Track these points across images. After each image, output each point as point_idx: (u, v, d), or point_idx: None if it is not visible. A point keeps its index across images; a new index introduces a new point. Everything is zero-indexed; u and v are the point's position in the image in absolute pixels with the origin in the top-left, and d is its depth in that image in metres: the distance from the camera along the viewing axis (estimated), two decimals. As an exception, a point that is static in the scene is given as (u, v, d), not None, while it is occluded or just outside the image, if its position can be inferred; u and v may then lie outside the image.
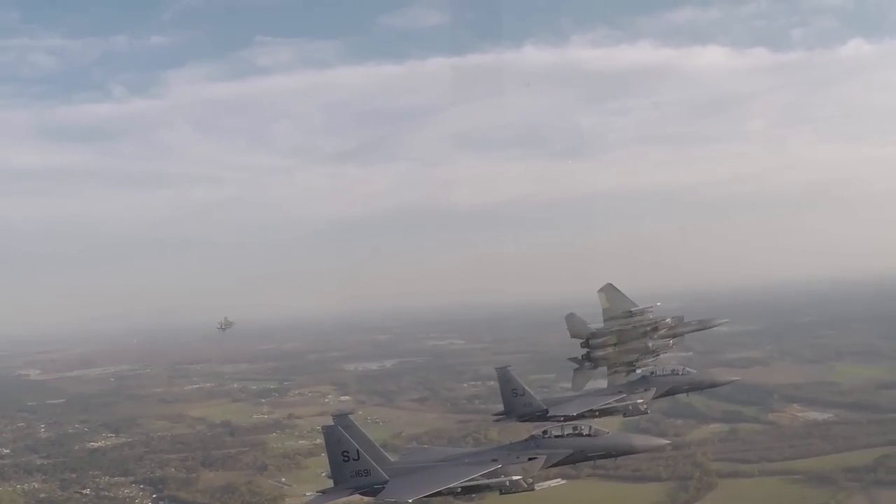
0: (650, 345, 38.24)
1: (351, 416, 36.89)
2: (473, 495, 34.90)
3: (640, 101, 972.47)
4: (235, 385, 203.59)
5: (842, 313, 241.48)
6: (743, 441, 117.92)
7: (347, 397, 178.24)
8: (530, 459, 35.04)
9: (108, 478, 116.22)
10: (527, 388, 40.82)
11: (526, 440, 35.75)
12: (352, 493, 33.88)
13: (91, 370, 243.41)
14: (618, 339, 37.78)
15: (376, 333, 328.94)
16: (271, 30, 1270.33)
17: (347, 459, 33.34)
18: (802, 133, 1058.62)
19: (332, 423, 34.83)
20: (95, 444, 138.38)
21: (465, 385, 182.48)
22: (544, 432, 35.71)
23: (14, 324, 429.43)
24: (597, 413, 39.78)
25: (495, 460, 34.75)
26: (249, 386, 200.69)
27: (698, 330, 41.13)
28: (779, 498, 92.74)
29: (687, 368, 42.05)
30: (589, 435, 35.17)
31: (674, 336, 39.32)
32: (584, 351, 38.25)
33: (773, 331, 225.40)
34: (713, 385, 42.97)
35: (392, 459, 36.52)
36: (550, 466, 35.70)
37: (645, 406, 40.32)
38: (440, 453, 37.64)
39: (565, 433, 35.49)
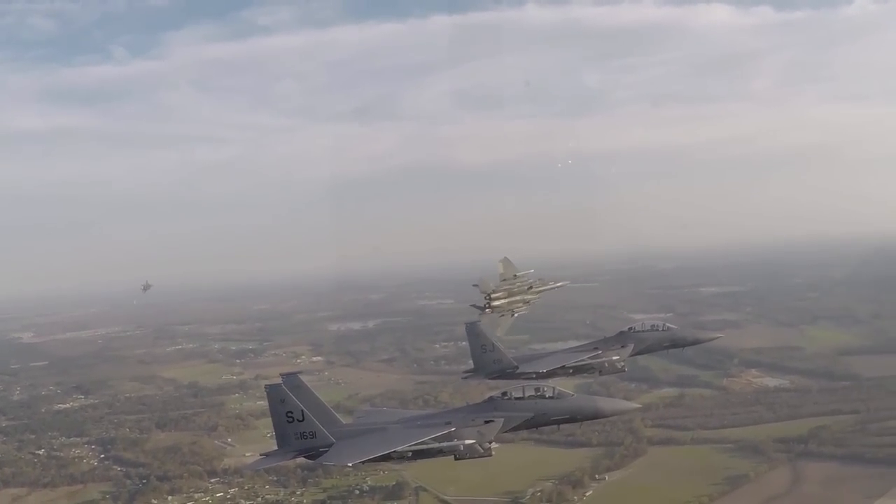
0: (526, 298, 46.00)
1: (301, 376, 35.55)
2: (424, 460, 32.91)
3: (645, 58, 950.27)
4: (216, 346, 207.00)
5: (831, 276, 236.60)
6: (687, 407, 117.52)
7: (319, 357, 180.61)
8: (486, 423, 33.69)
9: (63, 438, 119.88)
10: (497, 343, 40.19)
11: (484, 402, 34.49)
12: (295, 457, 33.11)
13: (83, 332, 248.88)
14: (507, 294, 45.25)
15: (371, 293, 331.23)
16: None
17: (292, 420, 32.28)
18: (808, 92, 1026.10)
19: (277, 383, 33.52)
20: (63, 406, 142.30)
21: (437, 346, 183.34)
22: (503, 393, 34.40)
23: (18, 287, 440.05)
24: (570, 370, 39.64)
25: (449, 423, 33.38)
26: (230, 346, 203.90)
27: (551, 289, 47.55)
28: (702, 467, 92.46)
29: (668, 325, 41.73)
30: (552, 397, 34.01)
31: (538, 292, 46.79)
32: (486, 302, 45.30)
33: (757, 293, 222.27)
34: (695, 342, 42.25)
35: (344, 422, 35.45)
36: (509, 431, 34.34)
37: (622, 363, 40.08)
38: (394, 416, 36.55)
39: (526, 395, 34.21)
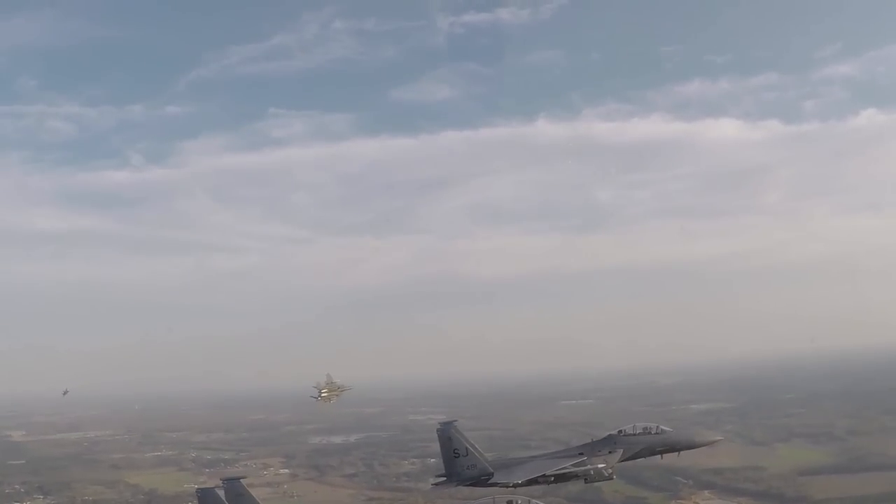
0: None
1: (250, 485, 35.19)
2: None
3: (656, 174, 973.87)
4: (194, 454, 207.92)
5: (827, 390, 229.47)
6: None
7: (286, 470, 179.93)
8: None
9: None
10: (472, 447, 38.94)
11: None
12: None
13: (73, 434, 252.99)
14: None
15: (369, 406, 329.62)
16: (284, 102, 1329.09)
17: None
18: (822, 204, 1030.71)
19: (210, 488, 33.14)
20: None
21: (406, 462, 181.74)
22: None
23: (27, 385, 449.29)
24: (551, 479, 38.27)
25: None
26: (205, 455, 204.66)
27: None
28: None
29: (661, 427, 41.39)
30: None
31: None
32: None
33: (744, 409, 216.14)
34: (691, 446, 42.01)
35: None
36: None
37: (610, 471, 39.29)
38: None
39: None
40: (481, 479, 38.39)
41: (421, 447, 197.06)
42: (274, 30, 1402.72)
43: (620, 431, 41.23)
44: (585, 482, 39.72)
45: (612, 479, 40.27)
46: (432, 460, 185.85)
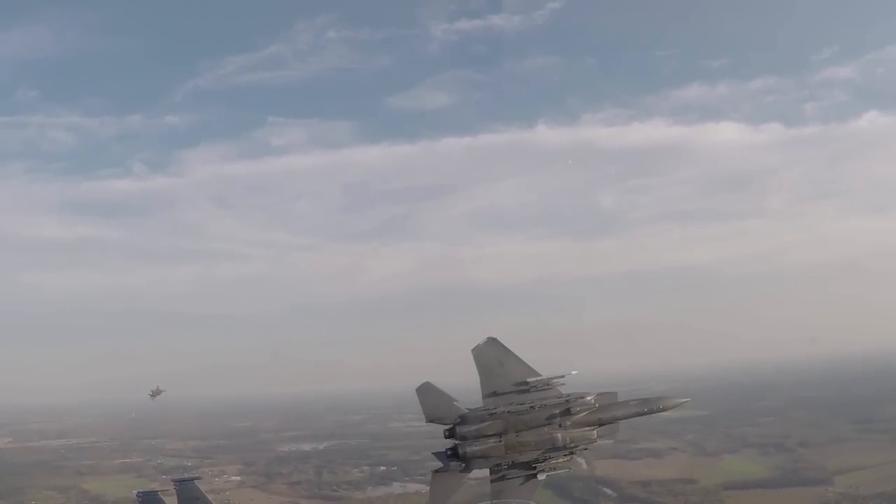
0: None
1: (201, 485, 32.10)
2: None
3: (658, 178, 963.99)
4: (159, 461, 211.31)
5: (807, 397, 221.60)
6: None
7: (238, 477, 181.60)
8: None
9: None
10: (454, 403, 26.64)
11: None
12: None
13: (57, 441, 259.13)
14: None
15: (357, 413, 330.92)
16: (282, 111, 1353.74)
17: None
18: (826, 207, 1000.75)
19: (152, 491, 30.13)
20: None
21: (356, 470, 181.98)
22: None
23: (30, 392, 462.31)
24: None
25: None
26: (169, 462, 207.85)
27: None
28: None
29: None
30: None
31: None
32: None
33: (714, 417, 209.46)
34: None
35: None
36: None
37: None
38: None
39: None
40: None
41: (380, 455, 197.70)
42: (268, 40, 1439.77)
43: None
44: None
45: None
46: (382, 468, 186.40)
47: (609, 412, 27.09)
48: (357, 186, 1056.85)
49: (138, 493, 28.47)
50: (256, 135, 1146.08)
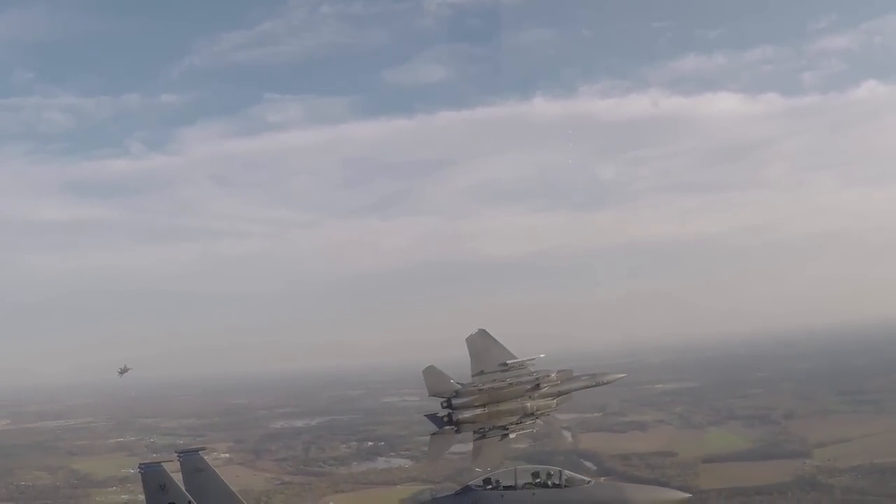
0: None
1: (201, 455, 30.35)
2: None
3: (657, 150, 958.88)
4: (152, 439, 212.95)
5: (800, 368, 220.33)
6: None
7: (227, 455, 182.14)
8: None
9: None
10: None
11: (459, 492, 27.82)
12: None
13: (54, 422, 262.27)
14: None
15: (355, 389, 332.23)
16: (278, 87, 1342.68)
17: None
18: (826, 177, 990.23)
19: (156, 463, 28.64)
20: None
21: (344, 445, 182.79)
22: (486, 481, 26.52)
23: (31, 375, 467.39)
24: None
25: None
26: (161, 441, 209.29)
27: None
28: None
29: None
30: (559, 485, 26.11)
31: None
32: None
33: (705, 389, 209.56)
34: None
35: None
36: None
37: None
38: None
39: (520, 483, 26.42)
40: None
41: (370, 430, 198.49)
42: (262, 16, 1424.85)
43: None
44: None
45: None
46: (370, 443, 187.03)
47: (566, 385, 32.03)
48: (355, 162, 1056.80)
49: (140, 464, 27.87)
50: (253, 112, 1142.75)
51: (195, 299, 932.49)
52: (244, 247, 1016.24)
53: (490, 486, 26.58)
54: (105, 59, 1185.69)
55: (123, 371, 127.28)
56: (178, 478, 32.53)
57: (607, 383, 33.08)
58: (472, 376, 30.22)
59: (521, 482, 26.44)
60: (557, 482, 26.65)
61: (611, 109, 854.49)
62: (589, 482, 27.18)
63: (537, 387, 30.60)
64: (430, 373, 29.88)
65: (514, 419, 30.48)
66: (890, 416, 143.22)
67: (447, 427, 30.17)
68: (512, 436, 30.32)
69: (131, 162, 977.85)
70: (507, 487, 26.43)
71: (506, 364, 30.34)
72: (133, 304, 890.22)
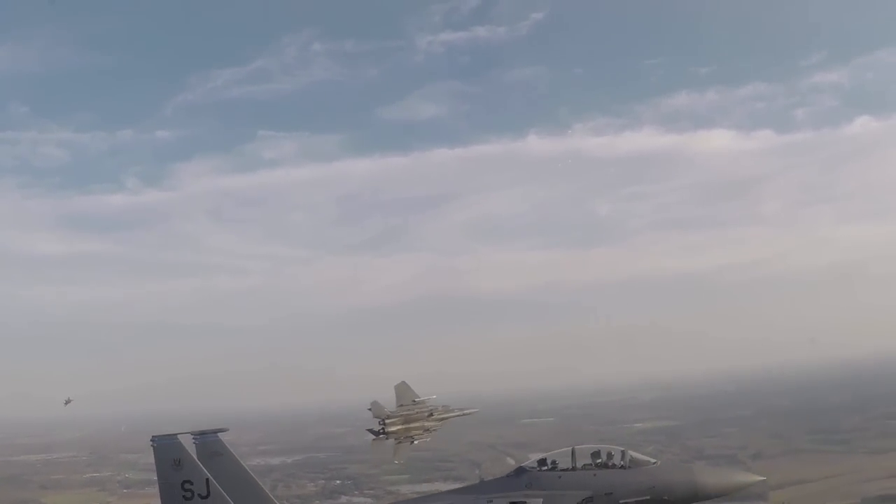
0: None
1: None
2: None
3: (653, 186, 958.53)
4: (127, 475, 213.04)
5: (780, 406, 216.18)
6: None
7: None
8: None
9: None
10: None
11: (512, 474, 27.24)
12: None
13: (36, 455, 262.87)
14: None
15: (343, 425, 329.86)
16: (272, 124, 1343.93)
17: (191, 496, 23.33)
18: (823, 213, 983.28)
19: (171, 435, 25.73)
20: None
21: (311, 483, 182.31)
22: (541, 462, 26.08)
23: (25, 406, 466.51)
24: None
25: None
26: (136, 477, 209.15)
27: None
28: None
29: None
30: (622, 466, 25.22)
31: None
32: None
33: (682, 428, 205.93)
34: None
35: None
36: None
37: None
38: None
39: (579, 465, 26.06)
40: None
41: (340, 468, 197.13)
42: (255, 53, 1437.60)
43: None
44: None
45: None
46: (337, 482, 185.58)
47: (446, 414, 45.80)
48: (350, 199, 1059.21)
49: (153, 437, 26.36)
50: (247, 148, 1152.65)
51: (190, 332, 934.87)
52: (240, 282, 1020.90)
53: (545, 468, 25.95)
54: (100, 94, 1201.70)
55: (67, 402, 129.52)
56: None
57: (468, 415, 46.16)
58: (397, 406, 45.41)
59: (580, 463, 25.50)
60: (620, 463, 25.71)
61: (605, 146, 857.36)
62: (655, 463, 25.93)
63: (431, 414, 45.17)
64: (375, 406, 44.62)
65: (419, 432, 45.54)
66: (857, 457, 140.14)
67: (381, 435, 45.53)
68: (416, 441, 45.30)
69: (127, 197, 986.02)
70: (564, 469, 25.54)
71: (414, 401, 45.41)
72: (128, 337, 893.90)
